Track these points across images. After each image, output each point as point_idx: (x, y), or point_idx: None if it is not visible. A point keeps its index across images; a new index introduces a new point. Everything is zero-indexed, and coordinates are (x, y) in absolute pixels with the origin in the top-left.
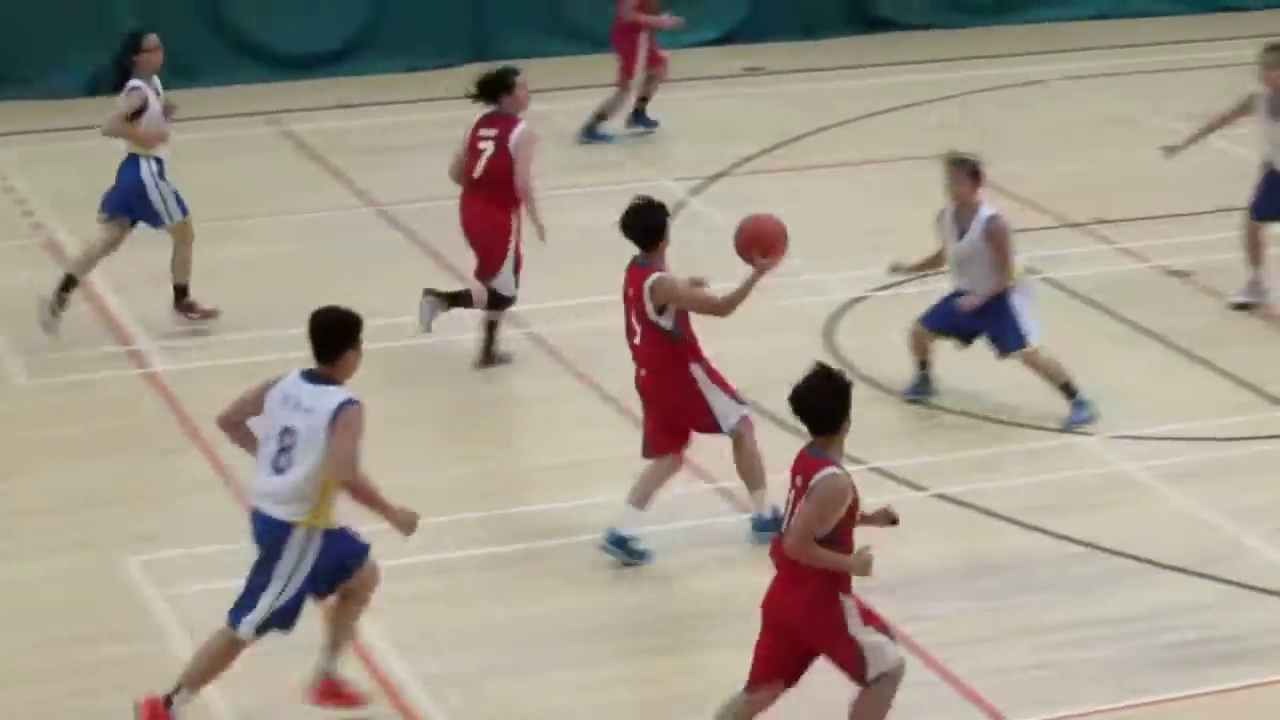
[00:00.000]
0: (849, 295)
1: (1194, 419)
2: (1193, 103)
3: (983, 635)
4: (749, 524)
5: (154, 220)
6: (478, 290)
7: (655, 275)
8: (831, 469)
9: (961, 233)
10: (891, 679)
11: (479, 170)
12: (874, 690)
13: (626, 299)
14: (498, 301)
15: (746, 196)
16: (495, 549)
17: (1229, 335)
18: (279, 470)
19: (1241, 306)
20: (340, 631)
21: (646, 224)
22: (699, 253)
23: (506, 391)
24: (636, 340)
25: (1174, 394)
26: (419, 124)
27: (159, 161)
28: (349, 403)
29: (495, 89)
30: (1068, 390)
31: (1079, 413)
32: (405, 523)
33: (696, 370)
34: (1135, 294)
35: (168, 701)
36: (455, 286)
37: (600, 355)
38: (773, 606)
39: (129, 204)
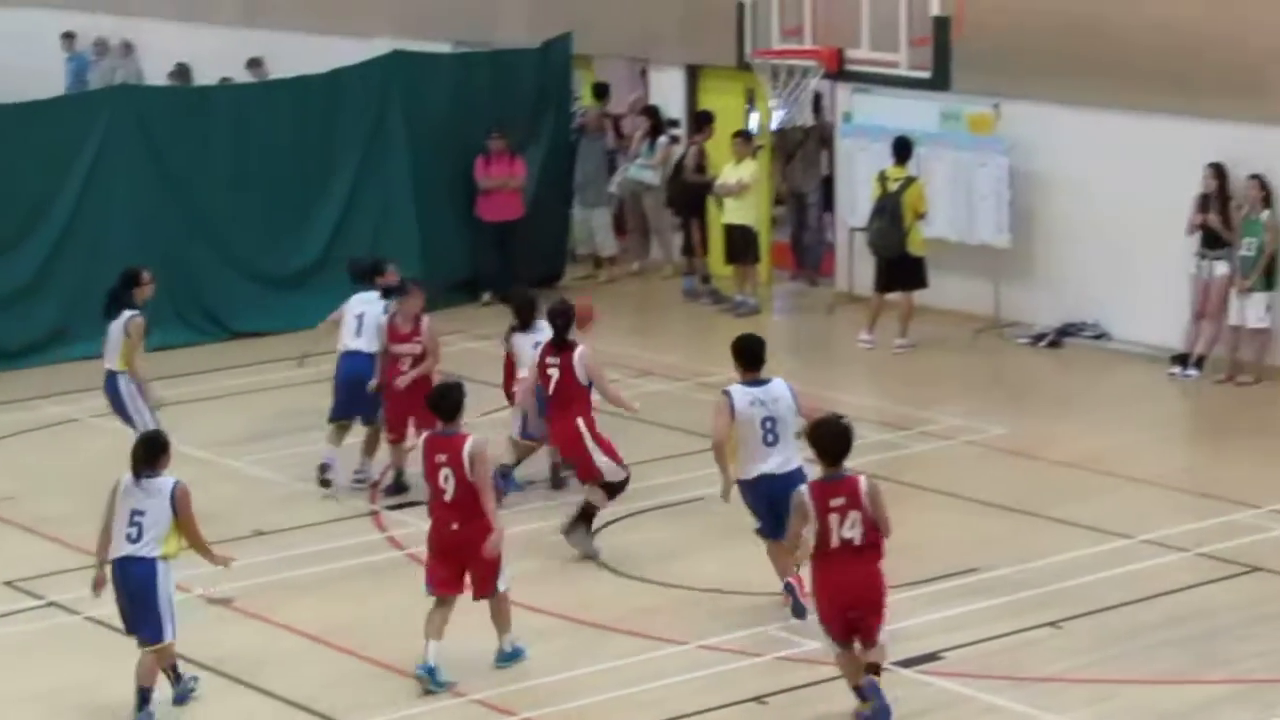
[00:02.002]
0: None
1: None
2: (215, 431)
3: None
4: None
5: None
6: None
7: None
8: (863, 476)
9: None
10: None
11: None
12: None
13: None
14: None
15: None
16: None
17: (273, 657)
18: (770, 444)
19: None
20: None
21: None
22: None
23: None
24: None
25: None
26: None
27: None
28: (790, 387)
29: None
30: None
31: None
32: None
33: None
34: (181, 626)
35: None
36: None
37: None
38: (860, 589)
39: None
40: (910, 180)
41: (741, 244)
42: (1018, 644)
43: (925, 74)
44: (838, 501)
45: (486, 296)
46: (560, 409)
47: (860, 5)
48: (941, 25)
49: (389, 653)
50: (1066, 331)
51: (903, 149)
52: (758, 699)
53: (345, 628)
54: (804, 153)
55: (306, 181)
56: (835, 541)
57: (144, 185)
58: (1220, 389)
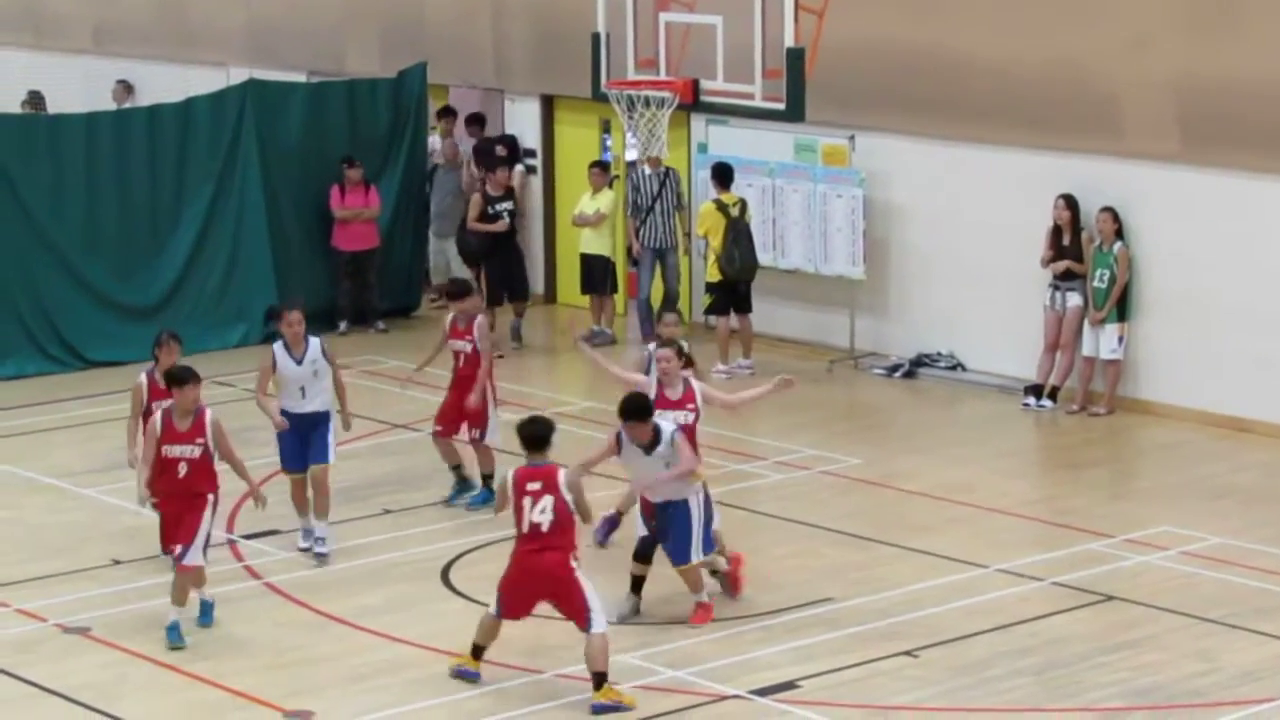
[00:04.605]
0: None
1: None
2: (70, 460)
3: None
4: None
5: None
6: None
7: None
8: (562, 467)
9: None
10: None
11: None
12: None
13: None
14: None
15: None
16: None
17: (129, 686)
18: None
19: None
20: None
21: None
22: None
23: None
24: None
25: None
26: None
27: None
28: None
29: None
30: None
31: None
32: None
33: None
34: (36, 655)
35: None
36: None
37: None
38: (544, 572)
39: None
40: (744, 202)
41: (599, 274)
42: (873, 673)
43: (779, 105)
44: (534, 486)
45: (343, 326)
46: None
47: (715, 36)
48: (795, 57)
49: (245, 681)
50: (920, 363)
51: (726, 173)
52: None
53: (202, 656)
54: (661, 204)
55: (161, 211)
56: (525, 525)
57: None
58: (1073, 420)
